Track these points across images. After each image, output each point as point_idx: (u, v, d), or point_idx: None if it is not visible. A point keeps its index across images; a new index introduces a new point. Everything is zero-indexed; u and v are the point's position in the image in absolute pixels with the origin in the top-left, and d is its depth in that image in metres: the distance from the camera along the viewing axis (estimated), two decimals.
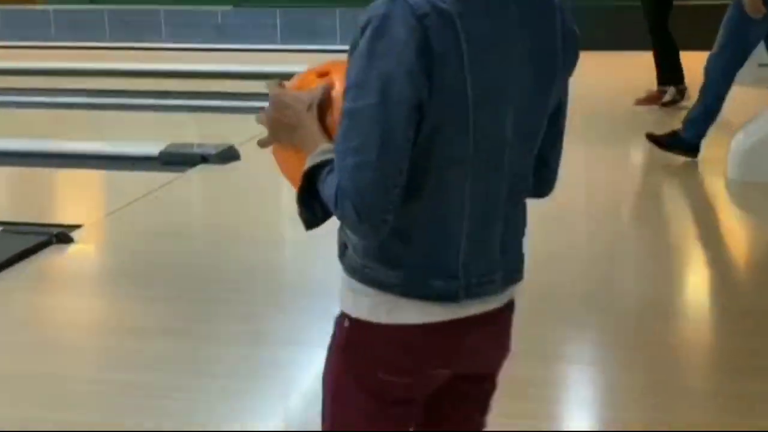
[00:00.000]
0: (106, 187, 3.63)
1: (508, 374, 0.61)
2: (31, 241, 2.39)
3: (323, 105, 0.48)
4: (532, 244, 0.63)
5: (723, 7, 3.50)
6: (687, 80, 4.33)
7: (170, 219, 2.94)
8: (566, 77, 0.52)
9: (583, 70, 0.68)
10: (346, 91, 0.43)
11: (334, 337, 0.53)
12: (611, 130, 4.22)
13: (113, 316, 2.16)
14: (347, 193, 0.40)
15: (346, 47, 0.45)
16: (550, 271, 2.08)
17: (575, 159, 2.67)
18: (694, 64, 3.97)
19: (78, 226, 2.64)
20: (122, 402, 1.55)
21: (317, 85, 0.50)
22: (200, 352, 1.82)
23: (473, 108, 0.43)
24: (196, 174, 3.44)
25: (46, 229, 2.55)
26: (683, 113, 3.67)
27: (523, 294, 0.60)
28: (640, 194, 3.47)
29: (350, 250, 0.49)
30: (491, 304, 0.51)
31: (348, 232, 0.47)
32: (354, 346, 0.51)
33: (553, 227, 2.44)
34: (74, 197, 3.56)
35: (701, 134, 3.32)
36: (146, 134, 4.32)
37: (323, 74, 0.53)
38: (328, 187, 0.43)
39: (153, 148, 3.55)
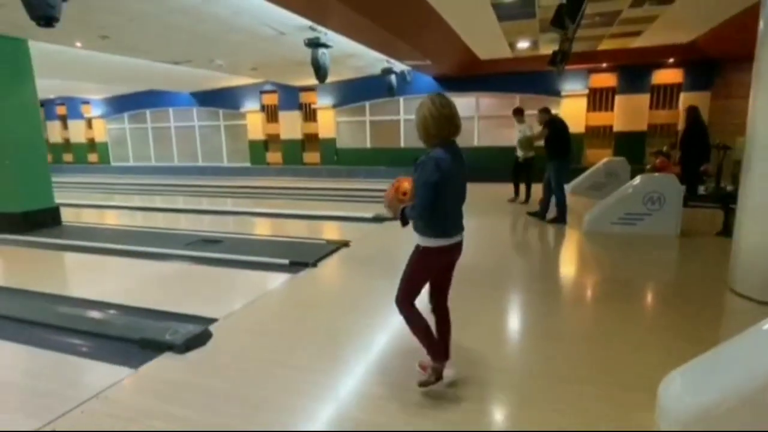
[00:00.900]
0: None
1: None
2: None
3: (399, 192, 2.27)
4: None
5: None
6: None
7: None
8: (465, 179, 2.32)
9: None
10: (417, 182, 2.18)
11: (415, 250, 2.34)
12: None
13: None
14: (419, 210, 2.16)
15: None
16: None
17: None
18: None
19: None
20: None
21: (401, 183, 2.28)
22: None
23: (449, 186, 2.17)
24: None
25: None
26: None
27: None
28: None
29: (417, 228, 2.27)
30: (456, 239, 2.31)
31: (417, 222, 2.25)
32: (427, 254, 2.29)
33: None
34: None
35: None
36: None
37: (402, 180, 2.29)
38: (410, 211, 2.20)
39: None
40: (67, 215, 7.42)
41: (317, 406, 2.32)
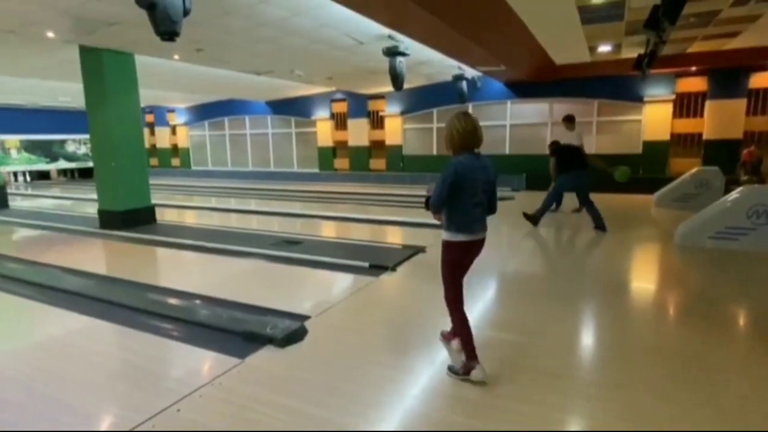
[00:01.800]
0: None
1: None
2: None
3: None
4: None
5: None
6: None
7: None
8: (494, 183, 2.66)
9: None
10: (439, 179, 2.53)
11: (443, 245, 2.66)
12: None
13: None
14: (433, 200, 2.59)
15: None
16: None
17: None
18: None
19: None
20: None
21: None
22: None
23: (465, 187, 2.52)
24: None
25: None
26: None
27: None
28: None
29: (444, 225, 2.64)
30: (479, 236, 2.63)
31: (445, 221, 2.63)
32: (449, 247, 2.64)
33: None
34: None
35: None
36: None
37: None
38: (431, 200, 2.62)
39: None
40: (158, 214, 8.06)
41: (403, 402, 2.35)
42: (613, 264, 5.41)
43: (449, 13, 5.37)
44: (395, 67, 7.34)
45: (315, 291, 4.49)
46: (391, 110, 14.01)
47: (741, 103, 10.09)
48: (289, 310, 3.63)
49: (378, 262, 4.90)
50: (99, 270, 5.23)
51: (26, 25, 5.80)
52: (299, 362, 2.83)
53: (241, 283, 4.64)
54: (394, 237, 6.86)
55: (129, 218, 7.33)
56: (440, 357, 2.89)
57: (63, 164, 18.27)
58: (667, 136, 10.71)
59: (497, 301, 4.01)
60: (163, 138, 19.23)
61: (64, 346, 3.19)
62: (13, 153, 16.87)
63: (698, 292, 4.30)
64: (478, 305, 3.82)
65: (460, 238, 2.58)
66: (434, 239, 6.19)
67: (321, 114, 15.19)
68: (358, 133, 14.76)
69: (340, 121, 15.11)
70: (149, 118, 19.23)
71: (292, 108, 15.67)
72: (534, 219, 7.01)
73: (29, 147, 17.16)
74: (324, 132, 15.30)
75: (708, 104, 10.32)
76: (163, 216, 8.27)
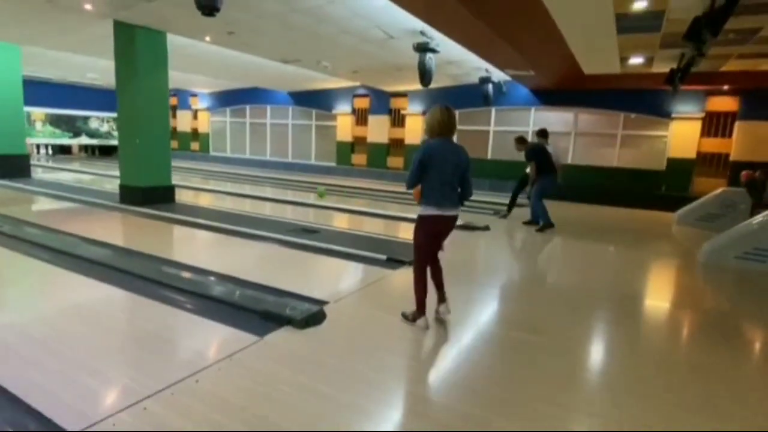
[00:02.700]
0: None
1: None
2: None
3: None
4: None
5: None
6: None
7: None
8: (465, 166, 3.04)
9: None
10: (413, 165, 2.98)
11: (417, 219, 3.09)
12: None
13: None
14: (408, 177, 3.02)
15: None
16: None
17: None
18: None
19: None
20: None
21: None
22: None
23: (437, 165, 2.93)
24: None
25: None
26: None
27: None
28: None
29: (421, 203, 3.03)
30: (449, 212, 3.01)
31: (421, 199, 3.03)
32: (422, 220, 3.05)
33: None
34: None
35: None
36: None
37: None
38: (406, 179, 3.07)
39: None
40: (177, 194, 8.12)
41: (423, 392, 2.31)
42: (639, 279, 5.32)
43: (485, 8, 5.31)
44: (424, 63, 7.30)
45: (333, 278, 4.47)
46: (413, 109, 13.97)
47: None
48: (307, 294, 3.61)
49: (395, 255, 4.86)
50: (120, 242, 5.28)
51: None
52: (318, 344, 2.81)
53: (258, 265, 4.65)
54: (410, 234, 6.81)
55: (149, 195, 7.39)
56: (460, 350, 2.85)
57: (85, 140, 18.52)
58: (693, 155, 10.51)
59: (520, 303, 3.95)
60: (184, 121, 19.40)
61: (87, 312, 3.21)
62: (38, 125, 17.13)
63: (727, 311, 4.19)
64: (515, 310, 3.76)
65: (430, 212, 2.99)
66: (450, 238, 6.15)
67: (342, 108, 15.20)
68: (378, 129, 14.74)
69: (360, 117, 15.11)
70: (173, 101, 19.41)
71: (314, 100, 15.70)
72: (546, 226, 7.01)
73: (54, 120, 17.43)
74: (344, 126, 15.31)
75: (738, 125, 10.11)
76: (181, 197, 8.32)
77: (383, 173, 14.40)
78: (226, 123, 18.33)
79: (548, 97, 11.78)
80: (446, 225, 3.07)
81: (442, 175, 2.93)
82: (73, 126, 17.98)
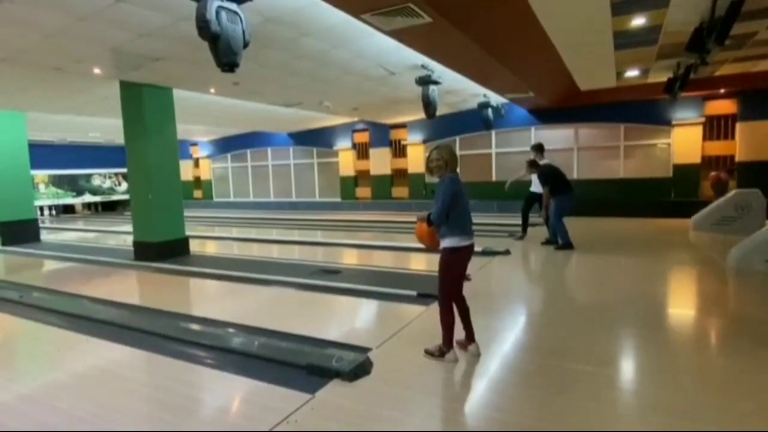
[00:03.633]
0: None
1: None
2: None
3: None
4: None
5: None
6: None
7: None
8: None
9: None
10: (438, 192, 3.04)
11: (448, 251, 3.07)
12: None
13: None
14: (439, 212, 3.01)
15: None
16: None
17: None
18: None
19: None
20: None
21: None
22: None
23: (462, 196, 3.04)
24: None
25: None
26: None
27: None
28: None
29: (443, 234, 3.06)
30: (471, 241, 3.09)
31: (442, 230, 3.07)
32: (453, 252, 3.05)
33: None
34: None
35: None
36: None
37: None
38: (434, 216, 3.05)
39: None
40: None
41: None
42: (673, 292, 5.22)
43: (485, 37, 5.41)
44: (428, 96, 7.39)
45: (369, 321, 4.37)
46: (413, 139, 14.11)
47: None
48: (348, 342, 3.50)
49: (425, 290, 4.76)
50: (141, 301, 5.18)
51: (74, 62, 5.98)
52: (372, 397, 2.69)
53: (289, 313, 4.54)
54: (432, 264, 6.73)
55: (164, 249, 7.33)
56: (518, 386, 2.73)
57: (88, 198, 18.60)
58: (698, 159, 10.55)
59: (561, 329, 3.84)
60: (186, 171, 19.53)
61: (118, 379, 3.09)
62: (41, 187, 17.24)
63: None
64: (543, 332, 3.65)
65: (463, 242, 3.03)
66: (475, 264, 6.07)
67: (343, 144, 15.36)
68: (380, 161, 14.84)
69: (361, 151, 15.24)
70: None
71: (314, 139, 15.88)
72: (565, 246, 6.97)
73: (56, 181, 17.55)
74: (346, 162, 15.42)
75: (739, 126, 10.19)
76: (194, 247, 8.26)
77: (388, 204, 14.41)
78: (228, 168, 18.47)
79: (546, 115, 11.91)
80: (468, 255, 3.12)
81: (466, 206, 3.07)
82: (75, 185, 18.09)
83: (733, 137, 10.31)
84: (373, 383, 2.87)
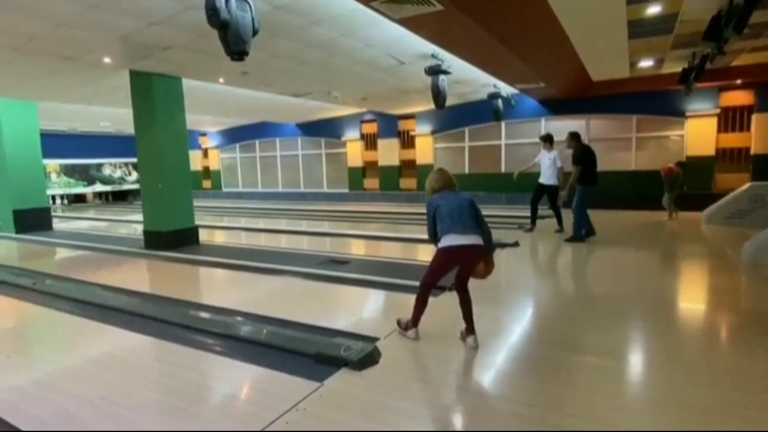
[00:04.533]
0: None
1: None
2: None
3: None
4: None
5: None
6: None
7: None
8: (473, 202, 3.22)
9: None
10: (428, 222, 3.34)
11: (437, 251, 3.23)
12: None
13: None
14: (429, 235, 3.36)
15: None
16: None
17: None
18: None
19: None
20: None
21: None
22: None
23: (444, 208, 3.17)
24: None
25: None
26: None
27: None
28: None
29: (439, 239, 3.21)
30: (465, 238, 3.09)
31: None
32: (440, 252, 3.18)
33: None
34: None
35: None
36: None
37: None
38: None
39: None
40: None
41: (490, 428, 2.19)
42: (688, 287, 5.17)
43: (496, 25, 5.33)
44: (437, 86, 7.32)
45: (377, 311, 4.38)
46: (421, 130, 14.03)
47: None
48: (356, 332, 3.51)
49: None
50: (152, 290, 5.24)
51: (84, 51, 6.00)
52: (380, 387, 2.70)
53: (297, 302, 4.56)
54: None
55: (173, 238, 7.39)
56: (525, 377, 2.72)
57: (99, 187, 18.78)
58: (712, 151, 10.37)
59: (570, 322, 3.82)
60: (195, 161, 19.63)
61: (129, 365, 3.14)
62: (53, 177, 17.43)
63: None
64: (551, 324, 3.63)
65: (446, 243, 3.13)
66: None
67: (351, 135, 15.32)
68: (389, 152, 14.79)
69: (370, 142, 15.20)
70: None
71: (322, 129, 15.86)
72: (578, 238, 6.89)
73: (68, 171, 17.72)
74: (354, 152, 15.39)
75: (755, 117, 9.99)
76: (203, 236, 8.32)
77: (397, 195, 14.38)
78: (236, 159, 18.53)
79: (557, 106, 11.77)
80: (463, 255, 3.13)
81: (452, 213, 3.13)
82: (86, 174, 18.27)
83: (748, 129, 10.12)
84: (381, 373, 2.88)
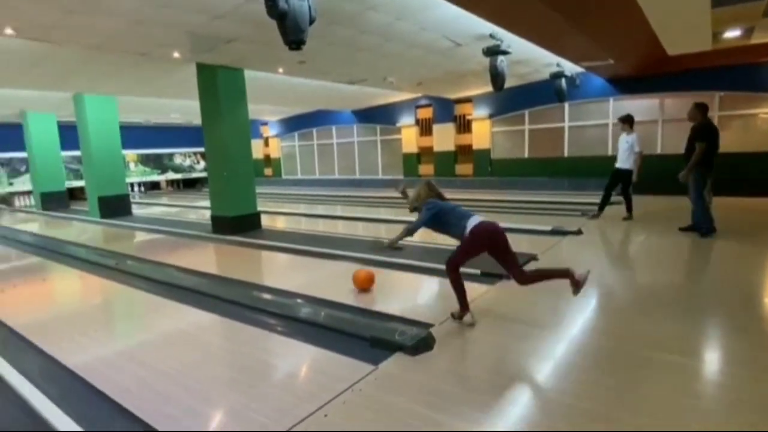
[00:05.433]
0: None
1: None
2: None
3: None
4: None
5: None
6: None
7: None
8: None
9: None
10: (423, 217, 3.52)
11: (468, 233, 3.32)
12: None
13: None
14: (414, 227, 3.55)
15: None
16: None
17: None
18: None
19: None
20: None
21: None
22: None
23: (446, 207, 3.53)
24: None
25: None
26: None
27: None
28: None
29: (456, 232, 3.46)
30: (482, 221, 3.44)
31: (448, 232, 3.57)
32: (472, 231, 3.30)
33: None
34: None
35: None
36: None
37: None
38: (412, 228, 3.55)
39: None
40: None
41: (550, 423, 2.11)
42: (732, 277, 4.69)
43: (565, 4, 5.03)
44: (496, 67, 7.07)
45: (431, 298, 4.38)
46: (478, 113, 13.66)
47: None
48: (410, 317, 3.53)
49: (488, 269, 4.66)
50: (221, 272, 5.56)
51: (156, 47, 6.39)
52: (433, 371, 2.71)
53: (353, 287, 4.65)
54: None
55: (238, 224, 7.78)
56: (587, 370, 2.60)
57: (171, 175, 20.11)
58: None
59: (637, 315, 3.60)
60: (256, 149, 20.42)
61: (198, 341, 3.36)
62: (132, 166, 18.87)
63: None
64: (616, 317, 3.45)
65: (475, 222, 3.33)
66: (543, 244, 5.83)
67: (406, 121, 15.23)
68: (444, 138, 14.57)
69: (425, 127, 15.04)
70: None
71: (378, 116, 15.89)
72: (708, 230, 6.05)
73: (144, 160, 19.12)
74: (409, 138, 15.32)
75: None
76: (265, 222, 8.67)
77: (452, 181, 14.16)
78: (295, 147, 19.07)
79: (627, 84, 10.98)
80: (493, 230, 3.31)
81: (456, 207, 3.50)
82: (160, 163, 19.61)
83: None
84: (435, 359, 2.88)
